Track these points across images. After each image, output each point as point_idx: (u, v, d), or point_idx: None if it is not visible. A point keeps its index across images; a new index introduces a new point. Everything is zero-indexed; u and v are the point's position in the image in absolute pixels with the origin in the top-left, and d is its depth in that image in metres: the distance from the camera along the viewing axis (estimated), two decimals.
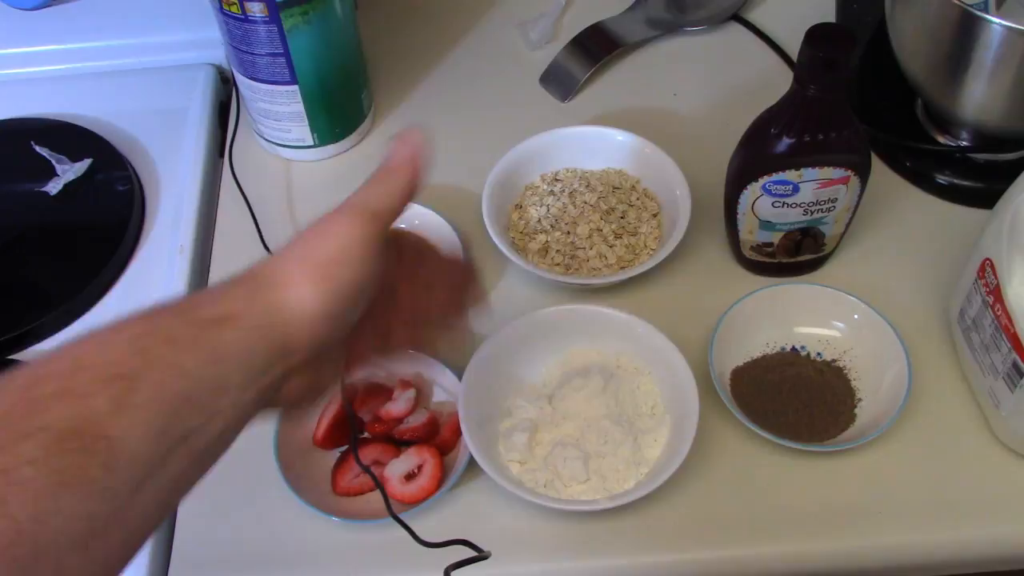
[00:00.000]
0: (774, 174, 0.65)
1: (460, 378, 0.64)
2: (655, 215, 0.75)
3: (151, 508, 0.38)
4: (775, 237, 0.70)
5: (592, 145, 0.78)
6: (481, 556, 0.55)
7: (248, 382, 0.41)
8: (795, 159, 0.64)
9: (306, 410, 0.48)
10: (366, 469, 0.62)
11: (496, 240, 0.71)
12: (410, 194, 0.46)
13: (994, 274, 0.60)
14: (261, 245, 0.76)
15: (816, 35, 0.59)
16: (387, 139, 0.83)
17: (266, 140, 0.82)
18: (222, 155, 0.84)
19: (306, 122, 0.79)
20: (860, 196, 0.68)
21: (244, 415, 0.41)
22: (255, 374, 0.41)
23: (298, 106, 0.77)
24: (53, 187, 0.80)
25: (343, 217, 0.44)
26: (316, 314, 0.42)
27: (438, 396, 0.67)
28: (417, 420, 0.64)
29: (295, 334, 0.42)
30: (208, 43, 0.89)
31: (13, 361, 0.71)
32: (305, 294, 0.42)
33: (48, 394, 0.36)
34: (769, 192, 0.66)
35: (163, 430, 0.37)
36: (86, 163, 0.81)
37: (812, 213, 0.67)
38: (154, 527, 0.39)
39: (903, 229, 0.75)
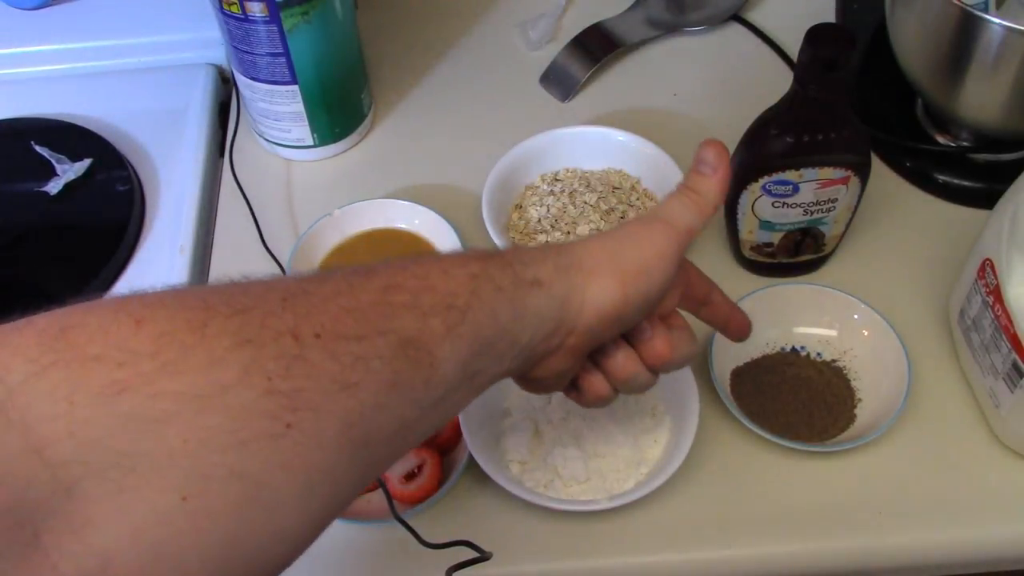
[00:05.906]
0: (774, 174, 0.65)
1: None
2: None
3: (430, 428, 0.42)
4: (775, 237, 0.70)
5: (592, 145, 0.78)
6: (483, 557, 0.55)
7: (532, 343, 0.45)
8: (795, 159, 0.64)
9: (541, 391, 0.51)
10: None
11: (496, 240, 0.71)
12: (712, 215, 0.50)
13: (994, 274, 0.60)
14: (261, 245, 0.76)
15: (816, 35, 0.59)
16: (387, 140, 0.84)
17: (266, 140, 0.82)
18: (222, 155, 0.84)
19: (306, 122, 0.79)
20: (860, 196, 0.68)
21: (511, 371, 0.46)
22: (539, 338, 0.45)
23: (298, 106, 0.77)
24: (53, 187, 0.80)
25: (656, 229, 0.48)
26: (608, 310, 0.46)
27: None
28: None
29: (583, 318, 0.46)
30: (208, 43, 0.89)
31: None
32: (607, 289, 0.46)
33: (400, 303, 0.39)
34: (769, 192, 0.66)
35: (467, 363, 0.41)
36: (86, 163, 0.81)
37: (812, 213, 0.67)
38: (418, 443, 0.43)
39: (903, 229, 0.75)
